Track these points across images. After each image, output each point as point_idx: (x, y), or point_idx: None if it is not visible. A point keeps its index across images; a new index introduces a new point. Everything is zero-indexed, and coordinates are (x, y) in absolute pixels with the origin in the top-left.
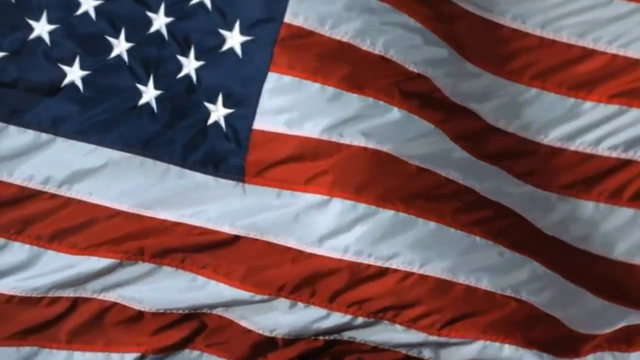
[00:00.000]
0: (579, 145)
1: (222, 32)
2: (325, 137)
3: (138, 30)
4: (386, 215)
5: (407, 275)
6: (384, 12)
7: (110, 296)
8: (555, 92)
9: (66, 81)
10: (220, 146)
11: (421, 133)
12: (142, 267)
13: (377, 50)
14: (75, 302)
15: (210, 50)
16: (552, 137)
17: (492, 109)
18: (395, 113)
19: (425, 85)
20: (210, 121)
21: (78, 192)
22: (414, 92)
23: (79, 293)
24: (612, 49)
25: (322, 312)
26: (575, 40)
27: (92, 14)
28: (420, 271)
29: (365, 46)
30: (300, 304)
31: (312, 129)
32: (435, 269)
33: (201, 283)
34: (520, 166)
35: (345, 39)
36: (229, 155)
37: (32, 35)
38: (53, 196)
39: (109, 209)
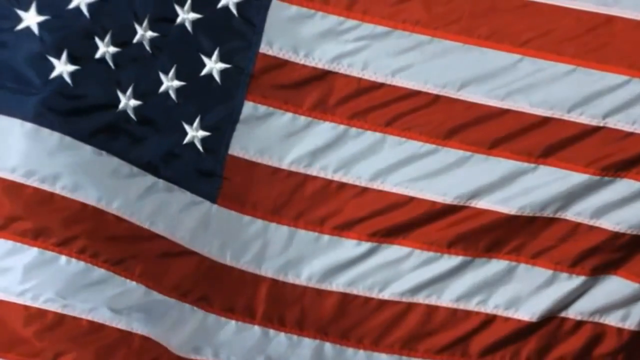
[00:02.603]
0: None
1: (202, 57)
2: (293, 169)
3: (123, 36)
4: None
5: None
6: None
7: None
8: None
9: (54, 74)
10: (195, 166)
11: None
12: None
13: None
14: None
15: (190, 73)
16: None
17: None
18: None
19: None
20: (186, 141)
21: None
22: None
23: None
24: None
25: None
26: None
27: (85, 10)
28: None
29: (342, 70)
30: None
31: (281, 159)
32: None
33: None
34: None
35: (320, 66)
36: (203, 175)
37: (21, 26)
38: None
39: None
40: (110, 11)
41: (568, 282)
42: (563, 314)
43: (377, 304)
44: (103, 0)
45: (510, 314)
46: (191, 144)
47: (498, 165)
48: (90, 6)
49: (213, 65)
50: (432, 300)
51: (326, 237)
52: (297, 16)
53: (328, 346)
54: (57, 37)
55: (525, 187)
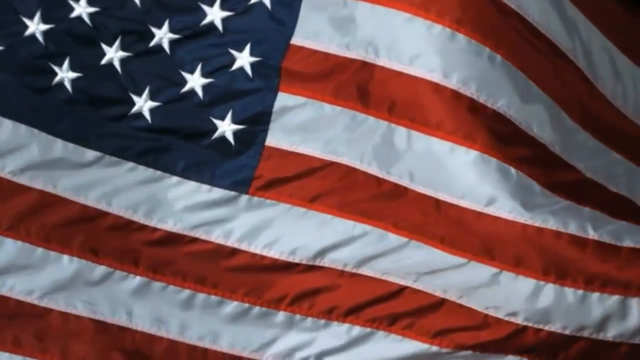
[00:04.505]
0: None
1: (233, 52)
2: (329, 158)
3: (135, 41)
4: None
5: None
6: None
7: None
8: None
9: (56, 80)
10: (228, 161)
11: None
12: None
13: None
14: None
15: (220, 69)
16: None
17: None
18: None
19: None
20: (216, 136)
21: (65, 189)
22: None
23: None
24: None
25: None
26: None
27: (86, 19)
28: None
29: (374, 60)
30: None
31: (318, 149)
32: None
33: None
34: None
35: (353, 56)
36: (236, 168)
37: (27, 33)
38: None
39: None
40: (119, 19)
41: (599, 302)
42: (601, 337)
43: (411, 291)
44: (107, 9)
45: (541, 326)
46: (221, 138)
47: None
48: (92, 15)
49: (244, 60)
50: (464, 301)
51: (362, 227)
52: (331, 4)
53: (357, 329)
54: (59, 45)
55: None
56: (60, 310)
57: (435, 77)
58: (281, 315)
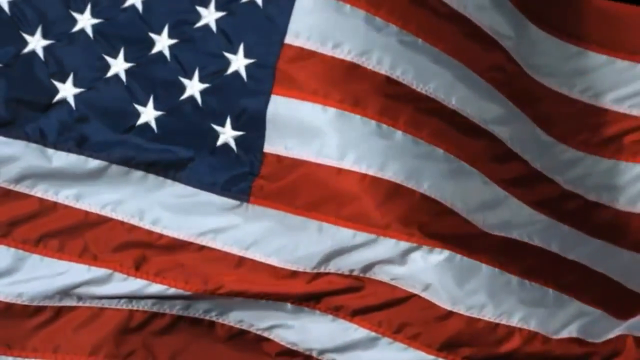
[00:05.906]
0: None
1: (227, 55)
2: (327, 163)
3: (138, 50)
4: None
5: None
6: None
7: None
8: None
9: (58, 97)
10: (230, 168)
11: (429, 158)
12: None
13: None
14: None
15: (215, 73)
16: None
17: (512, 134)
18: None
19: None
20: (220, 142)
21: (66, 197)
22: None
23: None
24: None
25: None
26: None
27: (90, 32)
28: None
29: (371, 65)
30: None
31: (312, 153)
32: None
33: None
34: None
35: (348, 58)
36: (239, 176)
37: (26, 50)
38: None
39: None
40: (122, 28)
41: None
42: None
43: (419, 300)
44: (111, 19)
45: (552, 334)
46: (224, 145)
47: None
48: (95, 27)
49: (239, 62)
50: (474, 313)
51: (363, 235)
52: (326, 7)
53: (361, 330)
54: (61, 61)
55: None
56: (52, 306)
57: (439, 98)
58: (289, 306)
